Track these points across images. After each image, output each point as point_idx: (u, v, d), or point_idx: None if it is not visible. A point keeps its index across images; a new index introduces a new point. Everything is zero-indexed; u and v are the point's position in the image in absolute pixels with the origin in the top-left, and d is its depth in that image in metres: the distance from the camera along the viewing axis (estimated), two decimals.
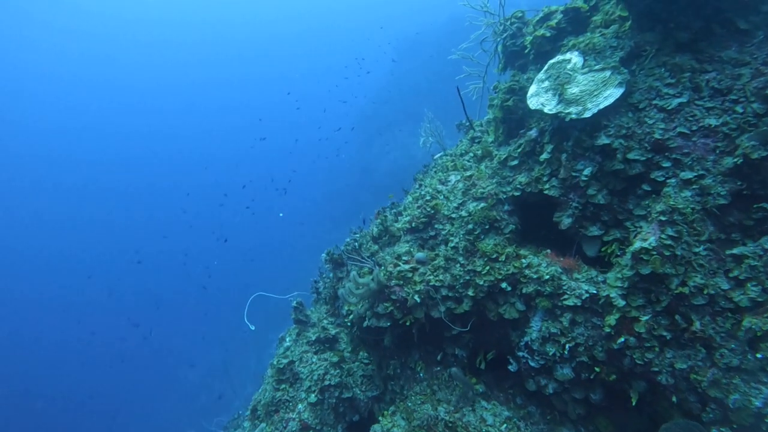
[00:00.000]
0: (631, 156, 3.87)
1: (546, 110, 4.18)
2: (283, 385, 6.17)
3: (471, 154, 5.32)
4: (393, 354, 5.11)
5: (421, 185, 5.84)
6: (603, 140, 3.95)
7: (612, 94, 3.91)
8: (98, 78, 62.94)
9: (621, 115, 3.98)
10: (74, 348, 40.28)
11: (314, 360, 6.16)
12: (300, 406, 5.91)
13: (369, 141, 34.02)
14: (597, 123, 4.03)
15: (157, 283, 44.13)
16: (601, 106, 3.91)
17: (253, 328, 6.53)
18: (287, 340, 7.16)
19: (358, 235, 5.77)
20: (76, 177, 57.21)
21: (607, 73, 4.00)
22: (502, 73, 5.81)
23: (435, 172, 5.78)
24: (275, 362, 6.23)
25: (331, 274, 5.92)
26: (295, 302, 6.89)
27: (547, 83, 4.35)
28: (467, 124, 7.20)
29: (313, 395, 5.78)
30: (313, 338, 6.38)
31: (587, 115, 3.95)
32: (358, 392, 5.72)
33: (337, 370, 5.81)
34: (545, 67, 4.48)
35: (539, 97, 4.33)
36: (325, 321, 6.75)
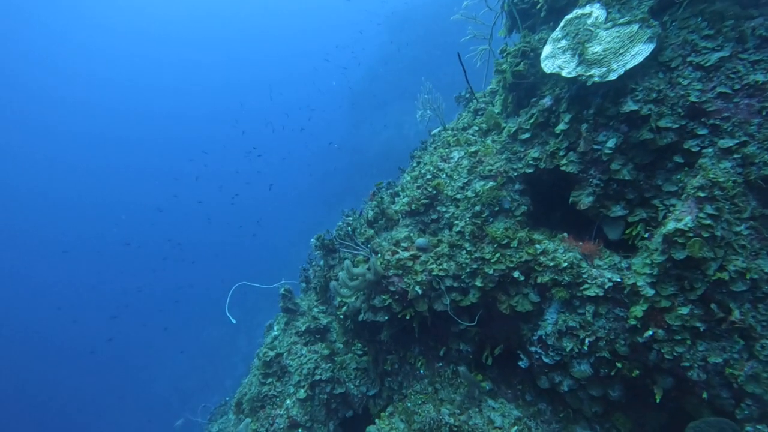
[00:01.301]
0: (662, 123, 3.37)
1: (564, 74, 3.63)
2: (270, 379, 5.74)
3: (475, 128, 4.77)
4: (390, 348, 4.67)
5: (419, 163, 5.30)
6: (630, 106, 3.44)
7: (641, 52, 3.37)
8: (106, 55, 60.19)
9: (651, 76, 3.46)
10: (59, 333, 39.86)
11: (304, 352, 5.72)
12: (288, 401, 5.49)
13: (360, 119, 33.10)
14: (623, 86, 3.50)
15: (145, 265, 43.49)
16: (628, 66, 3.38)
17: (234, 321, 6.03)
18: (275, 328, 6.70)
19: (351, 218, 5.24)
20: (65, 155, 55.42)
21: (635, 27, 3.45)
22: (508, 36, 5.21)
23: (435, 148, 5.23)
24: (261, 354, 5.78)
25: (321, 262, 5.41)
26: (283, 289, 6.40)
27: (564, 42, 3.79)
28: (467, 96, 6.62)
29: (302, 391, 5.36)
30: (303, 328, 5.92)
31: (612, 77, 3.42)
32: (352, 387, 5.31)
33: (329, 364, 5.38)
34: (562, 24, 3.90)
35: (555, 59, 3.77)
36: (315, 309, 6.29)
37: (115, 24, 59.12)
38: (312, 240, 5.28)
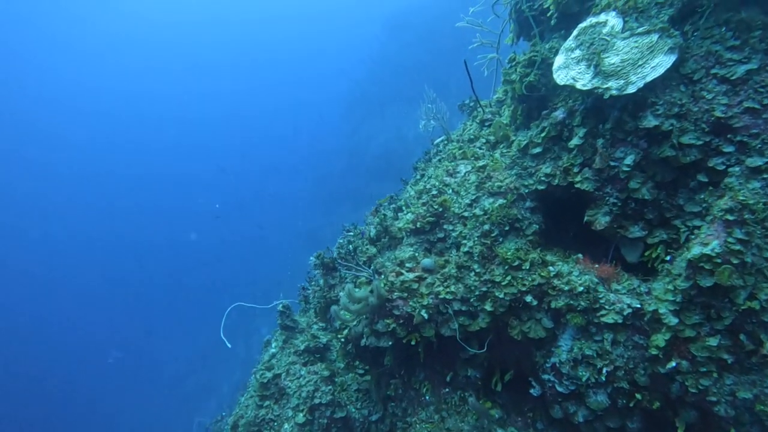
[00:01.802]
0: (685, 140, 3.16)
1: (579, 86, 3.42)
2: (267, 402, 5.49)
3: (483, 140, 4.56)
4: (394, 372, 4.45)
5: (423, 176, 5.08)
6: (650, 121, 3.23)
7: (661, 63, 3.16)
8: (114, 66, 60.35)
9: (672, 89, 3.25)
10: (56, 337, 39.61)
11: (303, 373, 5.47)
12: (286, 425, 5.24)
13: (358, 122, 32.86)
14: (642, 100, 3.29)
15: (143, 270, 43.30)
16: (648, 79, 3.17)
17: (230, 346, 5.79)
18: (273, 345, 6.46)
19: (352, 234, 5.02)
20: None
21: (654, 37, 3.24)
22: (514, 43, 5.00)
23: (440, 160, 5.01)
24: (258, 376, 5.53)
25: (321, 281, 5.16)
26: (281, 306, 6.17)
27: (578, 52, 3.57)
28: (471, 104, 6.41)
29: (301, 415, 5.11)
30: (302, 347, 5.68)
31: (631, 90, 3.21)
32: (353, 410, 5.07)
33: (329, 387, 5.14)
34: (575, 33, 3.69)
35: (569, 70, 3.56)
36: (314, 327, 6.05)
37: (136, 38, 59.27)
38: (311, 258, 5.04)
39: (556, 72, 3.66)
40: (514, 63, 4.19)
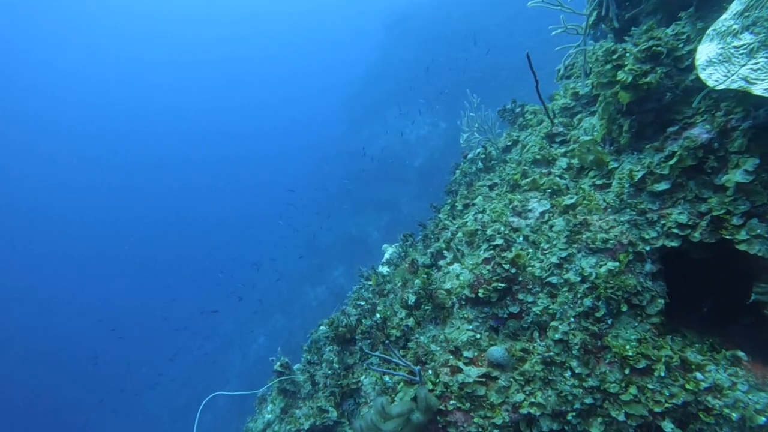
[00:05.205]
0: None
1: (758, 91, 2.14)
2: None
3: (562, 164, 3.26)
4: None
5: (468, 206, 3.78)
6: None
7: None
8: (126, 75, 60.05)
9: None
10: (50, 345, 38.37)
11: None
12: None
13: (357, 123, 31.51)
14: None
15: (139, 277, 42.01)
16: None
17: None
18: (269, 408, 5.16)
19: (371, 284, 3.70)
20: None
21: None
22: (592, 30, 3.72)
23: (491, 187, 3.72)
24: None
25: (335, 360, 3.83)
26: (278, 364, 4.87)
27: (748, 37, 2.28)
28: (516, 110, 5.11)
29: None
30: (306, 426, 4.37)
31: None
32: None
33: None
34: (736, 6, 2.40)
35: (731, 66, 2.27)
36: (321, 394, 4.75)
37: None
38: (321, 328, 3.73)
39: (704, 69, 2.37)
40: (615, 56, 2.89)
